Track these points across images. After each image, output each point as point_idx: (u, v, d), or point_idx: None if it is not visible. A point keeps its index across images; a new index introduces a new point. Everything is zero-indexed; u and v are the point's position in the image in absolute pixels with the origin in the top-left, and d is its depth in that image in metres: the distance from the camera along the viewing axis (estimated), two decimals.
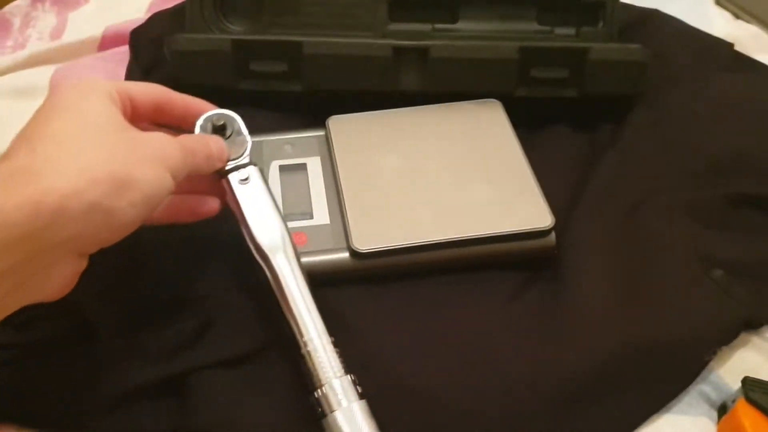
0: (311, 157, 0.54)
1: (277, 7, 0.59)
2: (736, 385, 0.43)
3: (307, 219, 0.50)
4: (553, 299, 0.47)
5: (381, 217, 0.49)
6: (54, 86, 0.40)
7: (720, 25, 0.73)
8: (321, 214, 0.50)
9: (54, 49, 0.67)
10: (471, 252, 0.49)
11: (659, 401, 0.44)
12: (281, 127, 0.57)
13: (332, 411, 0.38)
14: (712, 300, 0.47)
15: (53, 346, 0.43)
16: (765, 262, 0.50)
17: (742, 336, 0.47)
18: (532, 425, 0.42)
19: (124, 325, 0.44)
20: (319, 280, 0.47)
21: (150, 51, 0.62)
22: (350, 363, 0.43)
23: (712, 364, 0.46)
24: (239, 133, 0.46)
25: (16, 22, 0.72)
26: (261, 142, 0.55)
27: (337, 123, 0.56)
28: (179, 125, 0.46)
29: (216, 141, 0.45)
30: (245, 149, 0.46)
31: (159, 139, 0.39)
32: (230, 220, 0.45)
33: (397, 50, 0.56)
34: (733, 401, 0.43)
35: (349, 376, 0.39)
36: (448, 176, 0.52)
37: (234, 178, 0.45)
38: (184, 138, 0.42)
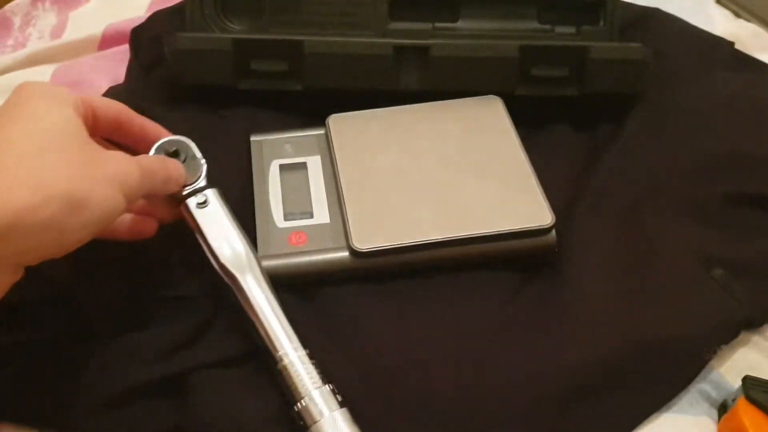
0: (311, 156, 0.54)
1: (278, 6, 0.59)
2: (737, 383, 0.43)
3: (307, 218, 0.50)
4: (553, 298, 0.47)
5: (381, 216, 0.49)
6: (18, 88, 0.39)
7: (720, 23, 0.73)
8: (321, 213, 0.50)
9: (54, 48, 0.67)
10: (471, 251, 0.49)
11: (659, 400, 0.44)
12: (281, 126, 0.57)
13: (315, 422, 0.38)
14: (712, 299, 0.47)
15: (53, 346, 0.43)
16: (765, 260, 0.50)
17: (743, 335, 0.47)
18: (532, 423, 0.42)
19: (123, 324, 0.44)
20: (318, 279, 0.47)
21: (150, 50, 0.62)
22: (349, 362, 0.43)
23: (712, 362, 0.46)
24: (193, 157, 0.46)
25: (17, 21, 0.72)
26: (261, 141, 0.55)
27: (337, 122, 0.56)
28: (134, 146, 0.46)
29: (174, 164, 0.45)
30: (200, 173, 0.46)
31: (119, 159, 0.39)
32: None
33: (398, 49, 0.56)
34: (734, 400, 0.43)
35: (327, 386, 0.39)
36: (448, 174, 0.52)
37: (191, 202, 0.45)
38: (144, 159, 0.41)
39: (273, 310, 0.41)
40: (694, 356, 0.45)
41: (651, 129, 0.58)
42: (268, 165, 0.53)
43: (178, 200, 0.45)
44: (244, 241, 0.44)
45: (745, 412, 0.41)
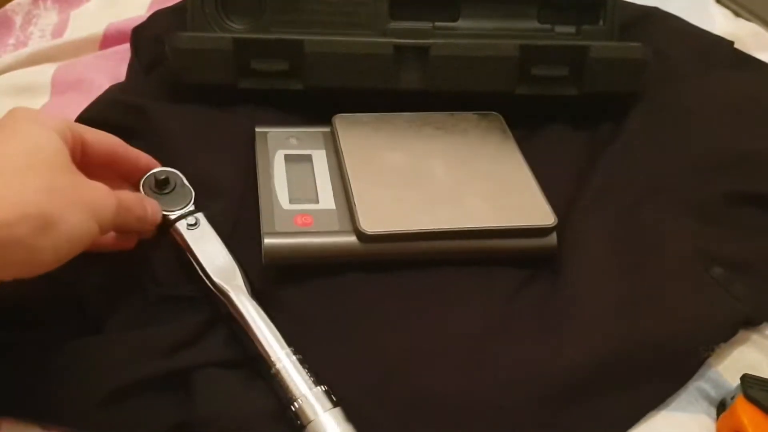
0: (316, 150, 0.55)
1: (278, 6, 0.59)
2: (735, 382, 0.43)
3: (312, 203, 0.50)
4: (554, 296, 0.47)
5: (387, 204, 0.49)
6: (11, 111, 0.40)
7: (720, 23, 0.73)
8: (326, 201, 0.50)
9: (56, 47, 0.67)
10: (475, 245, 0.49)
11: (658, 398, 0.44)
12: (282, 125, 0.57)
13: (309, 421, 0.39)
14: (711, 297, 0.47)
15: (55, 342, 0.43)
16: (764, 259, 0.50)
17: (742, 333, 0.47)
18: (531, 421, 0.42)
19: (127, 322, 0.45)
20: (323, 263, 0.48)
21: (151, 49, 0.62)
22: (350, 357, 0.43)
23: (711, 361, 0.46)
24: (183, 185, 0.49)
25: (18, 20, 0.72)
26: (266, 133, 0.55)
27: (344, 120, 0.56)
28: (126, 177, 0.48)
29: (152, 205, 0.46)
30: (190, 199, 0.49)
31: (97, 189, 0.40)
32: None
33: (398, 48, 0.56)
34: (732, 398, 0.43)
35: (320, 387, 0.40)
36: (451, 176, 0.52)
37: (182, 224, 0.47)
38: (123, 194, 0.42)
39: (264, 322, 0.43)
40: (693, 354, 0.45)
41: (651, 128, 0.58)
42: (273, 154, 0.53)
43: (168, 224, 0.47)
44: (233, 260, 0.46)
45: (744, 411, 0.41)
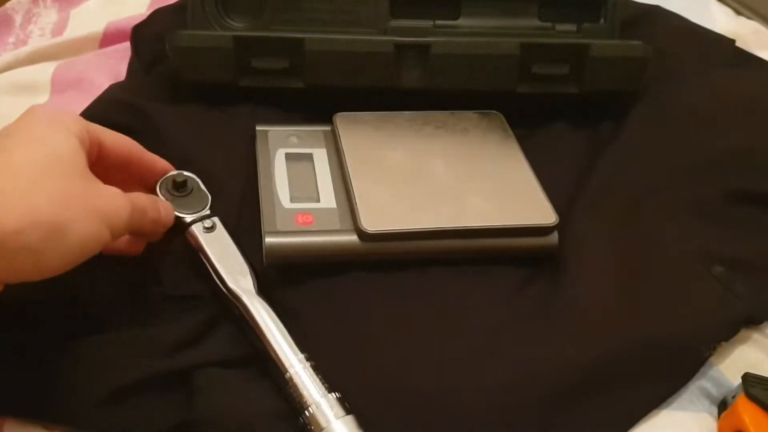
0: (317, 148, 0.54)
1: (279, 4, 0.59)
2: (737, 381, 0.43)
3: (313, 202, 0.50)
4: (555, 295, 0.47)
5: (388, 202, 0.49)
6: (29, 111, 0.40)
7: (721, 21, 0.73)
8: (327, 199, 0.50)
9: (56, 46, 0.67)
10: (476, 244, 0.49)
11: (659, 396, 0.44)
12: (283, 123, 0.57)
13: (321, 429, 0.39)
14: (712, 296, 0.47)
15: (58, 341, 0.43)
16: (766, 258, 0.50)
17: (743, 332, 0.47)
18: (532, 420, 0.42)
19: (129, 319, 0.44)
20: (323, 262, 0.48)
21: (151, 47, 0.62)
22: (352, 359, 0.43)
23: (712, 359, 0.46)
24: (200, 189, 0.49)
25: (18, 18, 0.72)
26: (266, 131, 0.55)
27: (344, 119, 0.56)
28: (141, 180, 0.47)
29: (166, 208, 0.46)
30: (206, 203, 0.49)
31: (112, 196, 0.40)
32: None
33: (399, 47, 0.56)
34: (734, 397, 0.43)
35: (333, 395, 0.40)
36: (452, 175, 0.52)
37: (198, 227, 0.47)
38: (137, 198, 0.42)
39: (277, 327, 0.42)
40: (694, 353, 0.45)
41: (651, 127, 0.58)
42: (274, 153, 0.53)
43: (183, 226, 0.47)
44: (249, 265, 0.45)
45: (745, 409, 0.41)
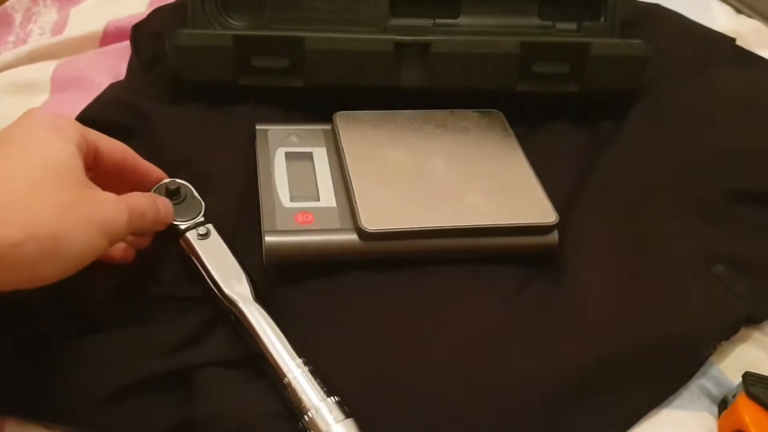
0: (317, 147, 0.54)
1: (279, 3, 0.59)
2: (737, 379, 0.43)
3: (313, 201, 0.50)
4: (555, 294, 0.47)
5: (389, 201, 0.49)
6: (26, 114, 0.40)
7: (721, 19, 0.73)
8: (327, 198, 0.50)
9: (55, 45, 0.67)
10: (476, 243, 0.49)
11: (660, 395, 0.44)
12: (283, 122, 0.57)
13: None
14: (713, 295, 0.47)
15: (58, 341, 0.43)
16: (766, 257, 0.50)
17: (743, 331, 0.47)
18: (533, 419, 0.42)
19: (128, 319, 0.44)
20: (324, 261, 0.48)
21: (151, 46, 0.62)
22: (351, 361, 0.43)
23: (712, 358, 0.46)
24: (193, 196, 0.49)
25: (18, 17, 0.72)
26: (266, 130, 0.55)
27: (344, 117, 0.56)
28: (135, 186, 0.47)
29: (164, 203, 0.46)
30: (200, 210, 0.48)
31: (109, 203, 0.39)
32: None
33: (399, 45, 0.56)
34: (734, 396, 0.43)
35: (332, 398, 0.40)
36: (452, 174, 0.52)
37: (192, 235, 0.47)
38: (134, 199, 0.42)
39: (275, 333, 0.42)
40: (695, 352, 0.45)
41: (652, 125, 0.58)
42: (274, 152, 0.53)
43: (178, 233, 0.47)
44: (244, 272, 0.45)
45: (746, 408, 0.41)
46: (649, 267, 0.48)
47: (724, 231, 0.51)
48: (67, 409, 0.41)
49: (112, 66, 0.64)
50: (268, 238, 0.47)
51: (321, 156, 0.54)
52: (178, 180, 0.49)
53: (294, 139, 0.55)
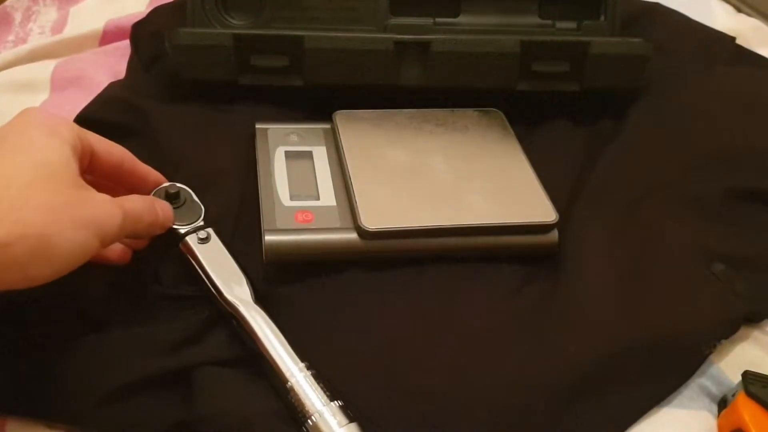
0: (316, 146, 0.54)
1: (278, 2, 0.59)
2: (737, 378, 0.43)
3: (313, 200, 0.50)
4: (555, 293, 0.47)
5: (389, 200, 0.49)
6: (22, 113, 0.40)
7: (721, 18, 0.73)
8: (327, 197, 0.50)
9: (55, 44, 0.67)
10: (476, 242, 0.49)
11: (659, 394, 0.44)
12: (283, 121, 0.57)
13: None
14: (713, 294, 0.47)
15: (59, 340, 0.43)
16: (766, 256, 0.50)
17: (743, 330, 0.47)
18: (533, 418, 0.42)
19: (129, 318, 0.44)
20: (323, 260, 0.48)
21: (151, 45, 0.62)
22: (351, 353, 0.43)
23: (712, 357, 0.46)
24: (193, 200, 0.49)
25: (18, 16, 0.72)
26: (266, 129, 0.55)
27: (344, 116, 0.56)
28: (131, 192, 0.46)
29: (164, 207, 0.46)
30: (200, 214, 0.48)
31: (102, 204, 0.39)
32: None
33: (399, 44, 0.56)
34: (734, 395, 0.43)
35: (335, 403, 0.40)
36: (452, 173, 0.52)
37: (192, 239, 0.47)
38: (129, 203, 0.41)
39: (276, 337, 0.42)
40: (695, 351, 0.45)
41: (652, 124, 0.58)
42: (274, 150, 0.53)
43: (178, 238, 0.47)
44: (245, 276, 0.45)
45: (745, 407, 0.41)
46: (649, 266, 0.48)
47: (724, 229, 0.51)
48: (67, 408, 0.41)
49: (111, 65, 0.64)
50: (268, 237, 0.47)
51: (321, 155, 0.54)
52: (177, 184, 0.49)
53: (294, 138, 0.55)
